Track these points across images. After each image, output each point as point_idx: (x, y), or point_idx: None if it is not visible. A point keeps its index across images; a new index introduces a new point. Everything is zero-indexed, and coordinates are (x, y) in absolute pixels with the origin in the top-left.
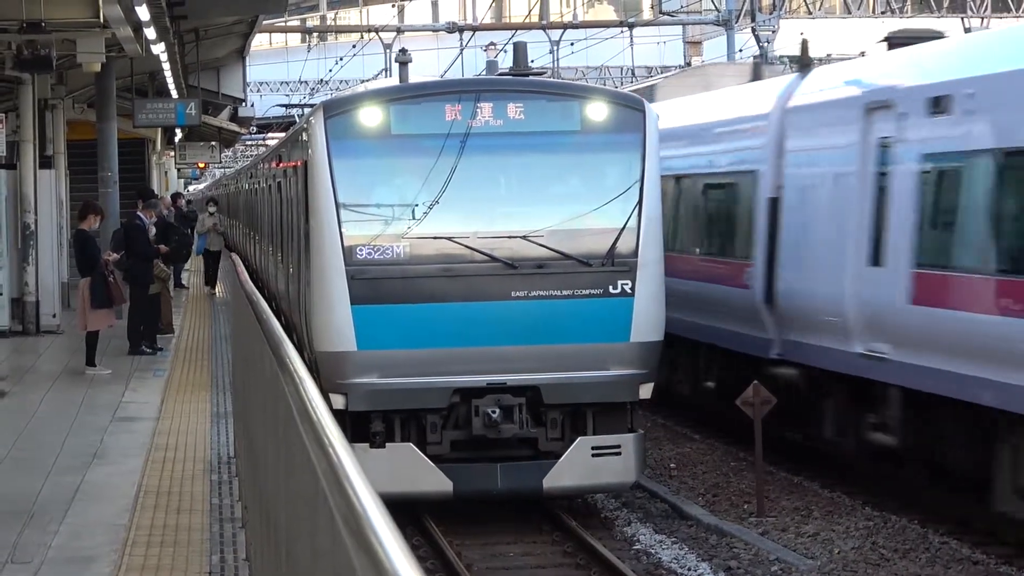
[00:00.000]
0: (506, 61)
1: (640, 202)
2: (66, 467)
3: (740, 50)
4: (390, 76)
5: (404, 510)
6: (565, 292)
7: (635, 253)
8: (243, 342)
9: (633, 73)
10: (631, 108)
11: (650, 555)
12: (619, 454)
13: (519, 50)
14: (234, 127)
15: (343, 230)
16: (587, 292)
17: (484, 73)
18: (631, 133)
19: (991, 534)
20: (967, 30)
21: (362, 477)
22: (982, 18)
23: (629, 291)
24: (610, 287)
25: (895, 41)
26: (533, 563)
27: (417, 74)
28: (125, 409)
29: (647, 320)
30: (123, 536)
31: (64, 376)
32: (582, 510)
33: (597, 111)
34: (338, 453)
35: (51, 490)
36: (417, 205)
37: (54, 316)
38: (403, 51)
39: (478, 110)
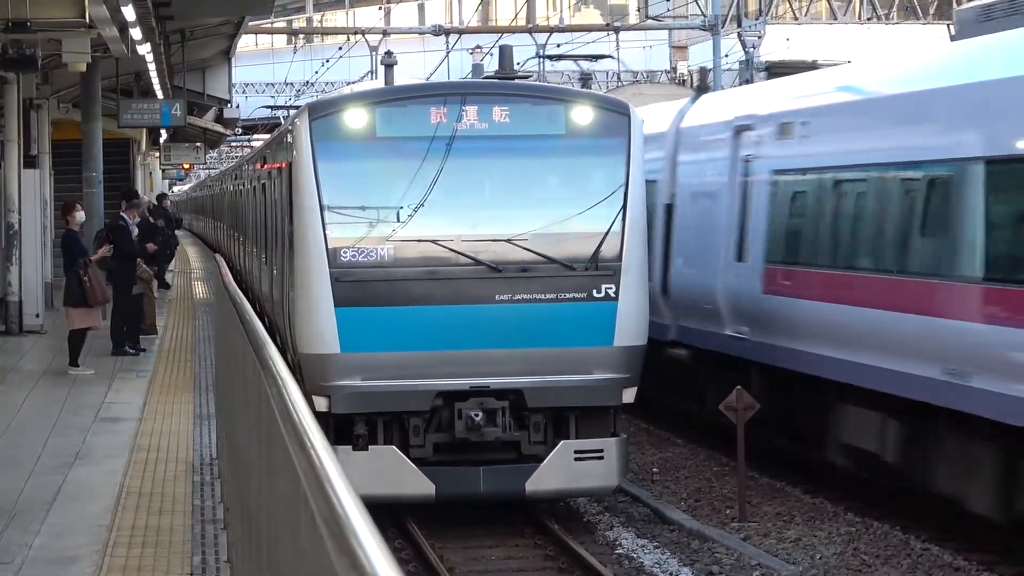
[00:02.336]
0: (492, 64)
1: (624, 206)
2: (48, 467)
3: (726, 55)
4: (376, 78)
5: (386, 512)
6: (549, 296)
7: (619, 257)
8: (226, 343)
9: (619, 77)
10: (616, 112)
11: (632, 559)
12: (602, 458)
13: (505, 53)
14: (219, 128)
15: (327, 232)
16: (571, 296)
17: (470, 76)
18: (616, 137)
19: (973, 540)
20: (953, 37)
21: (343, 480)
22: None
23: (613, 295)
24: (594, 291)
25: None
26: (515, 566)
27: (403, 77)
28: (108, 409)
29: (631, 324)
30: (105, 536)
31: (47, 376)
32: (564, 514)
33: (582, 115)
34: (319, 456)
35: (33, 490)
36: (402, 208)
37: (37, 316)
38: (388, 53)
39: (463, 113)
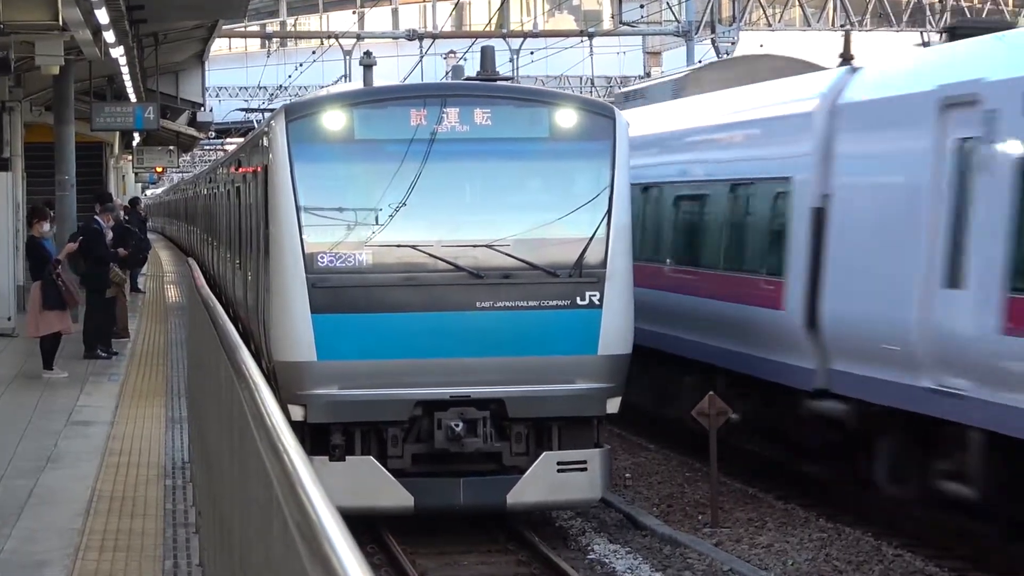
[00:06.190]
0: (466, 69)
1: (609, 211)
2: (20, 471)
3: (699, 61)
4: (349, 82)
5: (361, 520)
6: (531, 303)
7: (604, 264)
8: (199, 347)
9: (592, 83)
10: (601, 115)
11: (604, 565)
12: (585, 470)
13: (486, 55)
14: (192, 132)
15: (304, 237)
16: (554, 303)
17: (449, 77)
18: (600, 141)
19: (944, 547)
20: (926, 44)
21: (316, 484)
22: (941, 32)
23: (597, 303)
24: (578, 298)
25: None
26: (488, 572)
27: (378, 80)
28: (80, 413)
29: (615, 333)
30: (76, 541)
31: (19, 379)
32: (538, 520)
33: (566, 118)
34: (292, 460)
35: (4, 494)
36: (380, 212)
37: (9, 319)
38: (367, 54)
39: (444, 115)
